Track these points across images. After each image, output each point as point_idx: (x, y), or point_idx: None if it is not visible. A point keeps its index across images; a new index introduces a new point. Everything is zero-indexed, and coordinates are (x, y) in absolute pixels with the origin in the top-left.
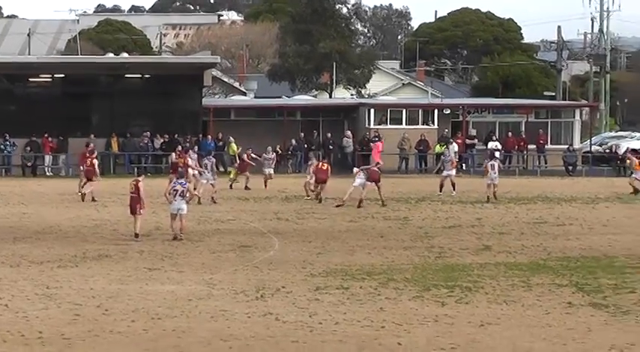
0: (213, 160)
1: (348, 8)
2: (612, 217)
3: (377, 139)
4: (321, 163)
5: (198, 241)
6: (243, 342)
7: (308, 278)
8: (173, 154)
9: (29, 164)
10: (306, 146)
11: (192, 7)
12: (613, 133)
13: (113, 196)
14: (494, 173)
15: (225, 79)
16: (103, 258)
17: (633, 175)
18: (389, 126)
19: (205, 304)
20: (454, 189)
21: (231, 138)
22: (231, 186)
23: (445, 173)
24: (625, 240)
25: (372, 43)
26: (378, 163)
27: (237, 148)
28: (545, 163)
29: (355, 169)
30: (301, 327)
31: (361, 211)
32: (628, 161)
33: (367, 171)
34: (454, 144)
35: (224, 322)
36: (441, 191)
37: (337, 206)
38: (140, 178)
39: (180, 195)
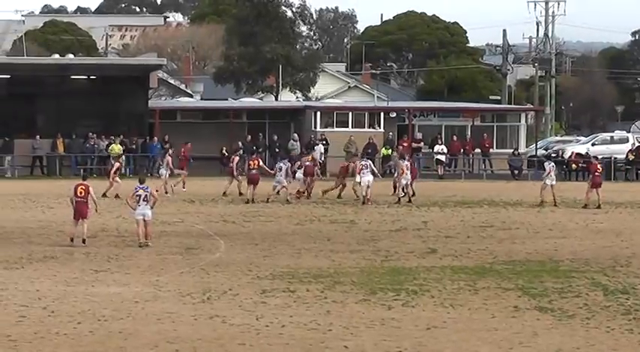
0: (289, 164)
1: (292, 11)
2: (558, 221)
3: None
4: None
5: (145, 243)
6: (190, 345)
7: (254, 281)
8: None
9: None
10: (253, 148)
11: (138, 9)
12: (558, 137)
13: (60, 198)
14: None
15: (172, 81)
16: (49, 259)
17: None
18: (335, 129)
19: (152, 306)
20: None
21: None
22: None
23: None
24: (570, 244)
25: (317, 45)
26: None
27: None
28: (491, 167)
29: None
30: (248, 330)
31: (307, 214)
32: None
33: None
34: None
35: (170, 324)
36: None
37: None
38: (87, 182)
39: (144, 200)
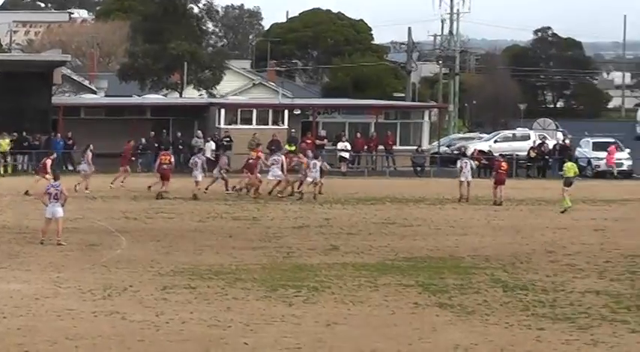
0: (204, 158)
1: (199, 8)
2: (459, 218)
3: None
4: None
5: (46, 240)
6: (90, 341)
7: (156, 278)
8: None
9: None
10: (156, 145)
11: (43, 5)
12: (461, 134)
13: None
14: (316, 171)
15: (76, 78)
16: None
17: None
18: (239, 126)
19: (52, 303)
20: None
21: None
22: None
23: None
24: (471, 241)
25: (223, 42)
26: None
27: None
28: (394, 164)
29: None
30: (148, 327)
31: (210, 211)
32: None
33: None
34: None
35: (70, 321)
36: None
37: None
38: None
39: (54, 198)
